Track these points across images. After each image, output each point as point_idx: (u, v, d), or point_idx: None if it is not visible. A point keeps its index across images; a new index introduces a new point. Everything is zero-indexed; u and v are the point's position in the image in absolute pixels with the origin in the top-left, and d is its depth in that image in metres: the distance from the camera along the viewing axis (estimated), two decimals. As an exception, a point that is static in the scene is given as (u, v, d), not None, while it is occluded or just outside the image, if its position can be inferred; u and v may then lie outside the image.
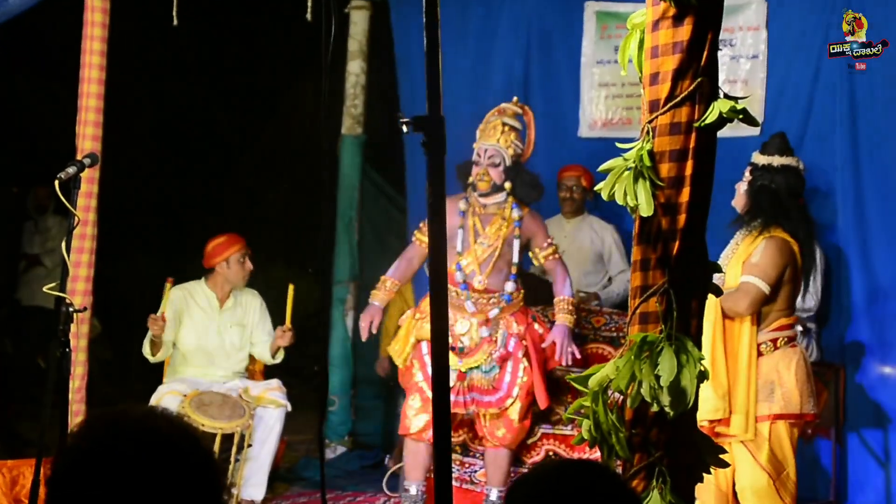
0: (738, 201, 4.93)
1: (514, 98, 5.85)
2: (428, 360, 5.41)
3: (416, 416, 5.48)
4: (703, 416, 4.45)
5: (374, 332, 5.72)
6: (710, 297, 4.38)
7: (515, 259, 5.60)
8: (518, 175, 5.65)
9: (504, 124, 5.63)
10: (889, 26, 4.94)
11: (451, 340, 5.15)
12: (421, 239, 5.69)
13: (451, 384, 5.28)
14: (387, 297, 5.72)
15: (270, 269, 7.67)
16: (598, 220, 6.79)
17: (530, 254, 5.76)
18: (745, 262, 4.70)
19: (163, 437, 1.76)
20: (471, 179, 5.65)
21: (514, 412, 5.49)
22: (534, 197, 5.75)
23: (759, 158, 4.94)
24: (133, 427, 1.76)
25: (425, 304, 5.48)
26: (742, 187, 4.92)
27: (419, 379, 5.52)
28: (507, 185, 5.61)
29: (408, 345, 5.60)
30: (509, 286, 5.58)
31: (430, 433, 5.31)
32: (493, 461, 5.57)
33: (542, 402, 5.53)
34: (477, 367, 5.48)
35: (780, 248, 4.70)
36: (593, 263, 6.74)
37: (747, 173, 4.92)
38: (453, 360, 5.34)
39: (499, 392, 5.49)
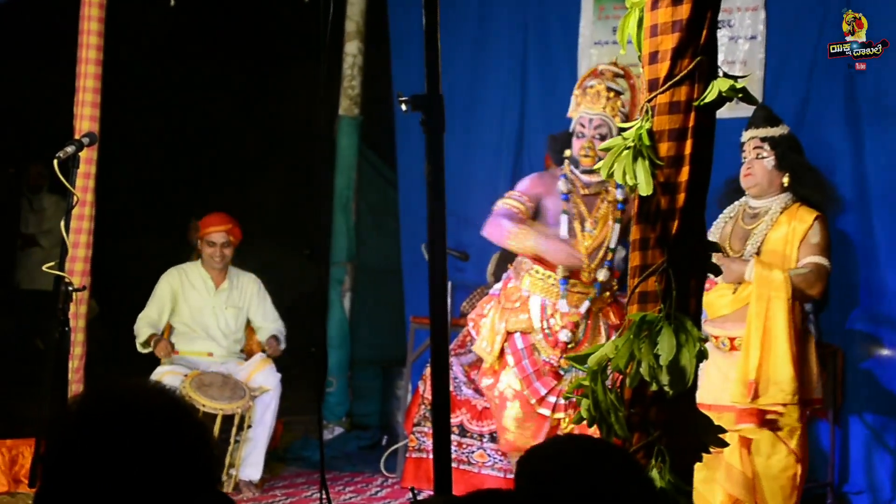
0: (764, 177, 4.73)
1: (614, 58, 5.18)
2: (525, 354, 5.04)
3: (518, 427, 5.07)
4: (778, 400, 4.42)
5: None
6: (781, 281, 4.43)
7: (613, 245, 5.07)
8: None
9: (609, 89, 4.99)
10: (889, 26, 4.90)
11: (546, 334, 4.98)
12: (512, 205, 5.05)
13: (550, 383, 5.00)
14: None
15: (266, 250, 7.67)
16: None
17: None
18: (802, 241, 4.63)
19: (156, 409, 1.76)
20: (568, 153, 5.07)
21: None
22: None
23: (767, 131, 4.73)
24: (126, 400, 1.77)
25: (510, 290, 5.15)
26: (762, 164, 4.71)
27: (510, 381, 5.07)
28: None
29: (497, 336, 5.10)
30: (602, 274, 5.06)
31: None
32: None
33: None
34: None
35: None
36: None
37: (766, 148, 4.70)
38: (555, 355, 5.00)
39: None
